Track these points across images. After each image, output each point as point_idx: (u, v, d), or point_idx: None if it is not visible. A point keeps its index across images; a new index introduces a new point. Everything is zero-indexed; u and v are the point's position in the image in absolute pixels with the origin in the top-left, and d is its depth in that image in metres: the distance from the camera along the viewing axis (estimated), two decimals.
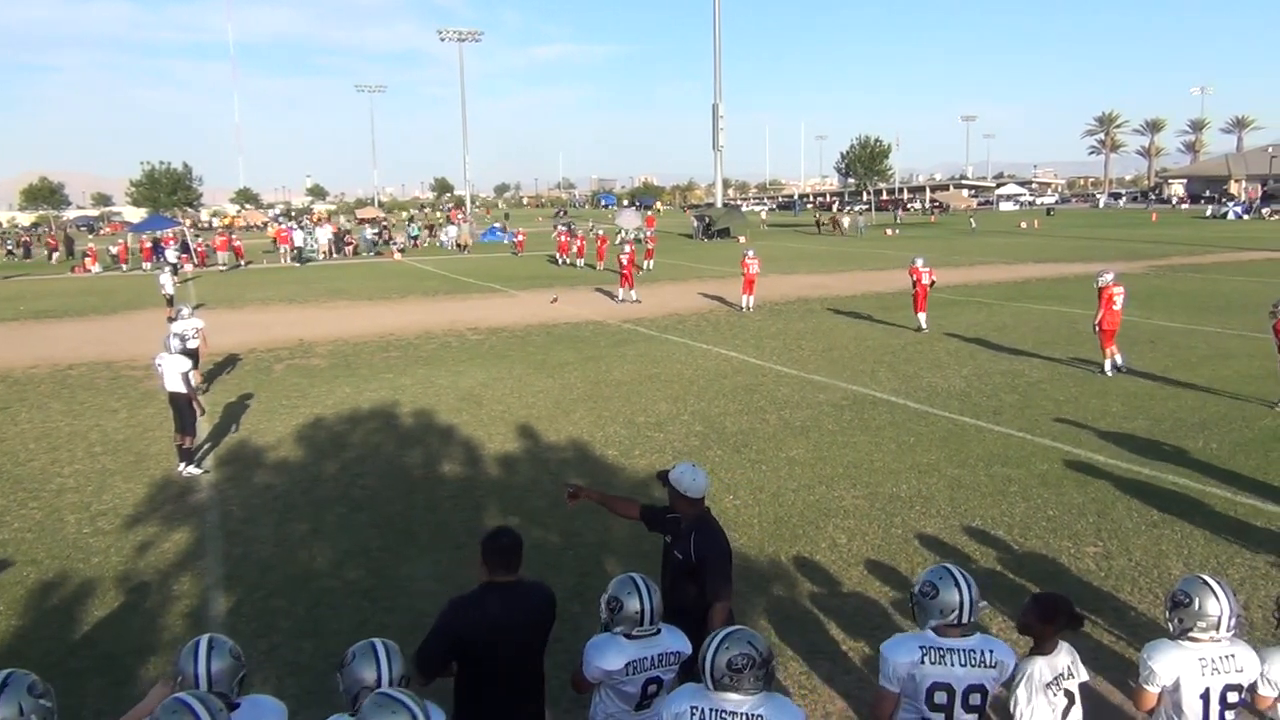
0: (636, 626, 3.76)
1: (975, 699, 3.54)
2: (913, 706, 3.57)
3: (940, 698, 3.51)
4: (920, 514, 8.52)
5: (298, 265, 43.25)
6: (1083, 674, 3.82)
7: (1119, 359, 14.39)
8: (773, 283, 30.24)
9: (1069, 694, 3.75)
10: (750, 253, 23.76)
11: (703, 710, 3.22)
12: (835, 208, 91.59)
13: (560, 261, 40.45)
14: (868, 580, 7.14)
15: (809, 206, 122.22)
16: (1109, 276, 14.70)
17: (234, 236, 49.89)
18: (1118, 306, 14.37)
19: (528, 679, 3.98)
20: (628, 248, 27.15)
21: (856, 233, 60.20)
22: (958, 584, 3.60)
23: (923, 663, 3.50)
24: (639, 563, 7.50)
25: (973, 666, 3.53)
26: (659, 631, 3.83)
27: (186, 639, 3.40)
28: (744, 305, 23.20)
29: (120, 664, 6.14)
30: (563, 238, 42.03)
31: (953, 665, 3.52)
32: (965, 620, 3.58)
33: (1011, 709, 3.73)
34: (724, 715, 3.20)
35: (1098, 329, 14.47)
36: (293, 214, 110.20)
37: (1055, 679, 3.68)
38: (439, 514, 8.92)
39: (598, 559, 7.55)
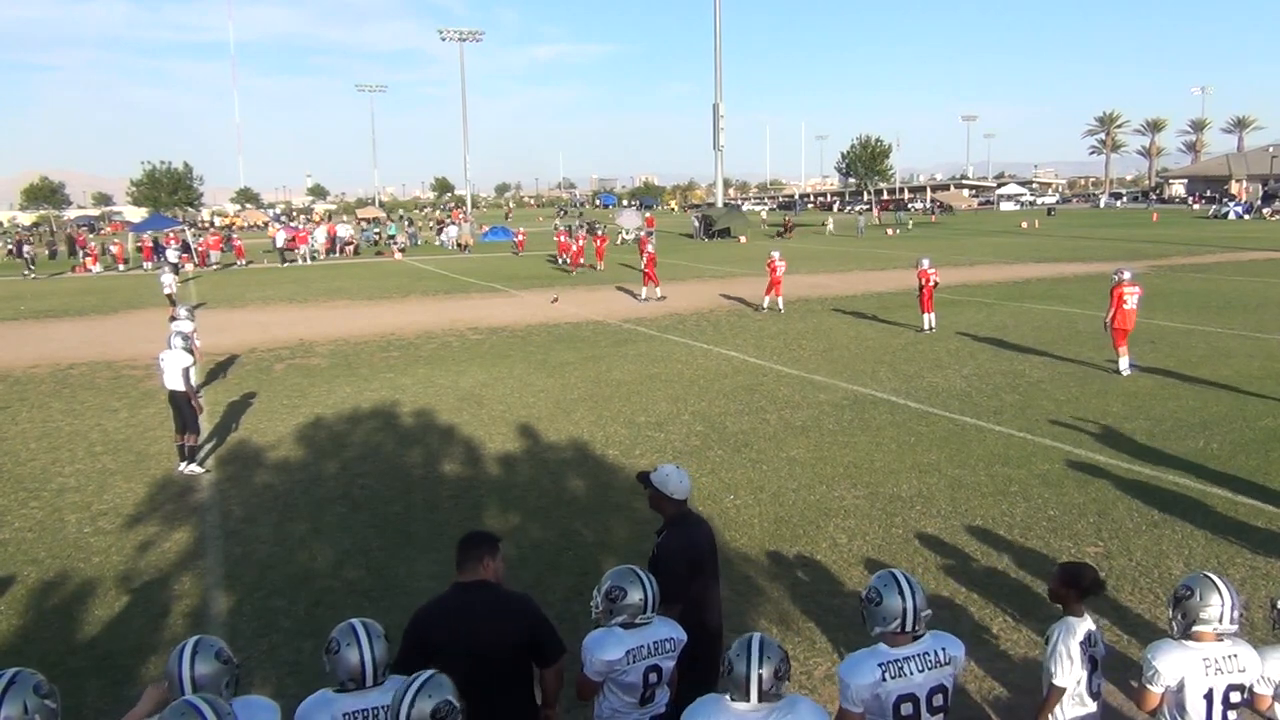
0: (640, 614, 3.84)
1: (938, 700, 3.54)
2: None
3: (906, 709, 3.48)
4: (921, 514, 8.52)
5: (282, 265, 42.96)
6: (1103, 647, 3.99)
7: (1127, 361, 14.34)
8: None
9: (1093, 660, 3.94)
10: (777, 254, 23.22)
11: None
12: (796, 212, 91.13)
13: (561, 261, 40.50)
14: (868, 580, 7.11)
15: (809, 206, 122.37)
16: (1125, 275, 14.61)
17: (236, 236, 49.92)
18: (1129, 305, 14.26)
19: (503, 685, 3.82)
20: (650, 247, 27.00)
21: (856, 233, 60.29)
22: (901, 591, 3.54)
23: (884, 680, 3.46)
24: (640, 561, 7.49)
25: (930, 670, 3.52)
26: (652, 620, 3.91)
27: (187, 639, 3.38)
28: (778, 306, 22.70)
29: (120, 664, 6.14)
30: (562, 237, 42.15)
31: (912, 675, 3.49)
32: (910, 629, 3.54)
33: (1050, 665, 3.91)
34: None
35: (1108, 326, 14.44)
36: (293, 214, 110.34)
37: (1086, 639, 3.90)
38: (439, 514, 8.91)
39: (597, 559, 7.54)
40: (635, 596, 3.85)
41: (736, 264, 38.47)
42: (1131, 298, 14.31)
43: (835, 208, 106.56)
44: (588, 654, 3.79)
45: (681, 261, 39.84)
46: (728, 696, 3.28)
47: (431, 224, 66.12)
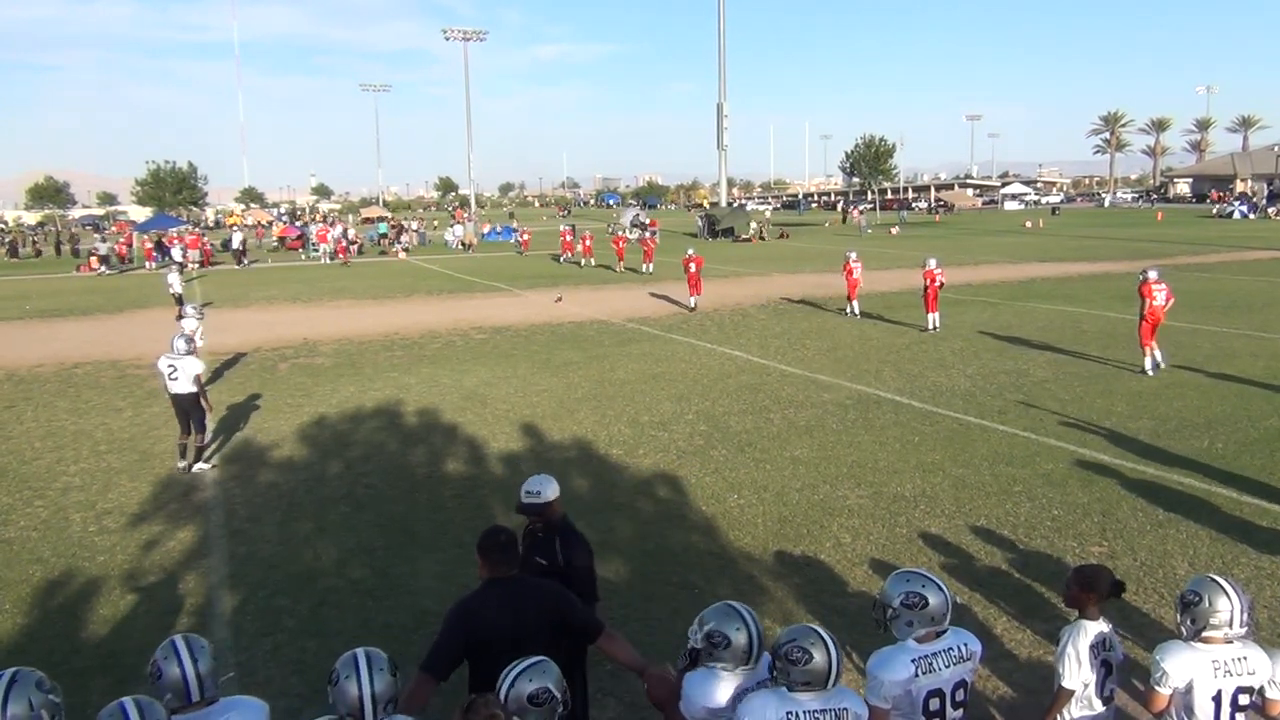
0: (741, 666, 3.41)
1: (960, 694, 3.58)
2: (906, 717, 3.54)
3: (934, 704, 3.51)
4: (925, 513, 8.51)
5: (237, 266, 42.78)
6: (1119, 652, 3.96)
7: (1158, 356, 14.31)
8: (776, 282, 30.26)
9: (1107, 664, 3.91)
10: (853, 255, 22.67)
11: (797, 713, 3.20)
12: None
13: (563, 260, 40.55)
14: (872, 580, 7.13)
15: (813, 206, 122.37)
16: (1151, 274, 14.72)
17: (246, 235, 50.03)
18: (1157, 303, 14.33)
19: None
20: (690, 250, 26.74)
21: (859, 232, 60.35)
22: (940, 589, 3.59)
23: (917, 676, 3.48)
24: (644, 560, 7.52)
25: (955, 664, 3.56)
26: (759, 664, 3.50)
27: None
28: (849, 310, 21.84)
29: (125, 663, 6.14)
30: (567, 236, 42.18)
31: (940, 670, 3.52)
32: (947, 624, 3.59)
33: (1059, 666, 3.89)
34: (817, 714, 3.21)
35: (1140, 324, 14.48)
36: (297, 213, 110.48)
37: (1099, 643, 3.86)
38: (443, 513, 8.92)
39: (600, 558, 7.53)
40: (740, 643, 3.39)
41: (741, 263, 38.46)
42: (1159, 295, 14.37)
43: (840, 207, 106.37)
44: (687, 695, 3.45)
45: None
46: (784, 688, 3.25)
47: (416, 227, 64.52)
